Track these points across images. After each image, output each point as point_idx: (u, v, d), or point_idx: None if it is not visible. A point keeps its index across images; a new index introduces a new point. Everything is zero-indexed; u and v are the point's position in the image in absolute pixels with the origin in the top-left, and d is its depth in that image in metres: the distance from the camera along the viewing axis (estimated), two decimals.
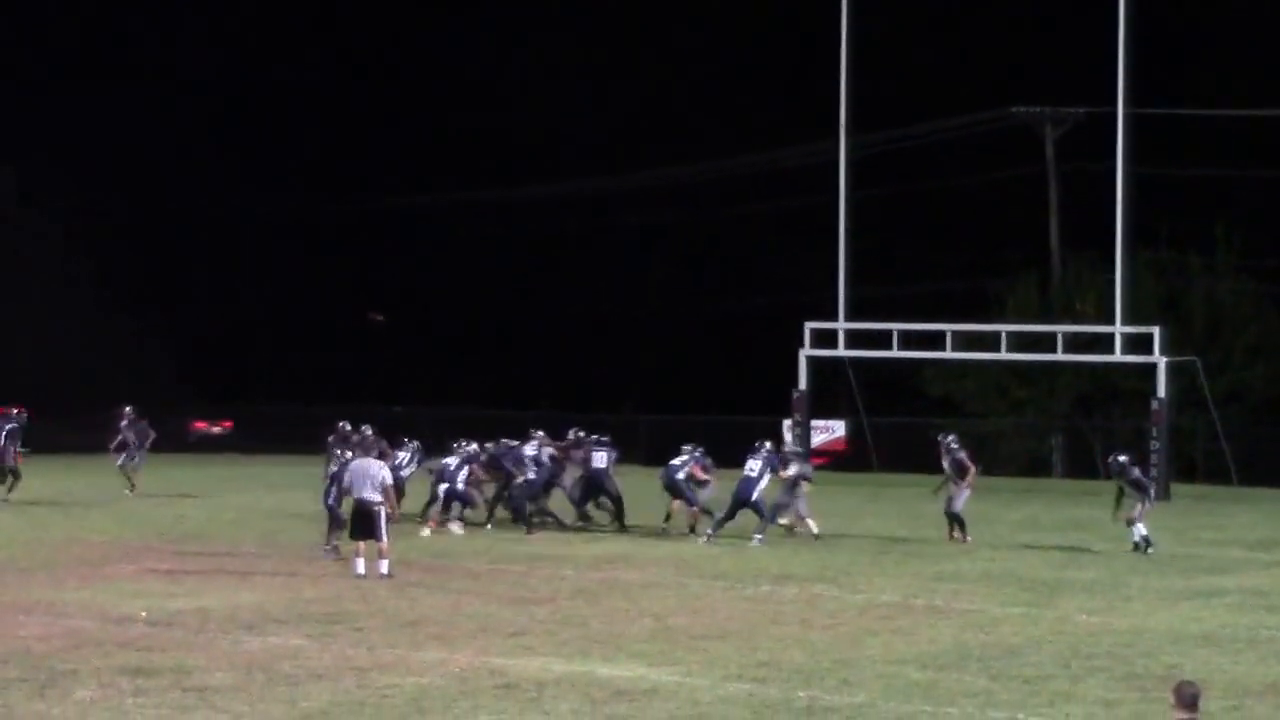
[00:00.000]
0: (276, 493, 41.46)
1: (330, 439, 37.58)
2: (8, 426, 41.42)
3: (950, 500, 34.16)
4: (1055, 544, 33.49)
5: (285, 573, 28.75)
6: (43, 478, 46.01)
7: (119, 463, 43.32)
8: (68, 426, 57.39)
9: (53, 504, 39.93)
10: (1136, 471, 32.90)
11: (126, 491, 42.39)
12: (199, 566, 29.42)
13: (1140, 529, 32.39)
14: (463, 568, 29.39)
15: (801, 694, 19.58)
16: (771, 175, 65.11)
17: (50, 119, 70.01)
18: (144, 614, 24.30)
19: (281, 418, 60.41)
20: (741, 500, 33.34)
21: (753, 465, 33.48)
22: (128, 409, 44.09)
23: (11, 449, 41.19)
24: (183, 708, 18.72)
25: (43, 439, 48.66)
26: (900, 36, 59.86)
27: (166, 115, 72.36)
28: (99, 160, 69.59)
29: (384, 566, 28.22)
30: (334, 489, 30.49)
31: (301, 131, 75.22)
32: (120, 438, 43.60)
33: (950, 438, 34.66)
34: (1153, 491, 33.64)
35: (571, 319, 72.84)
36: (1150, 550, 32.10)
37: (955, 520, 34.08)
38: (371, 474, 28.40)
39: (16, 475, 40.89)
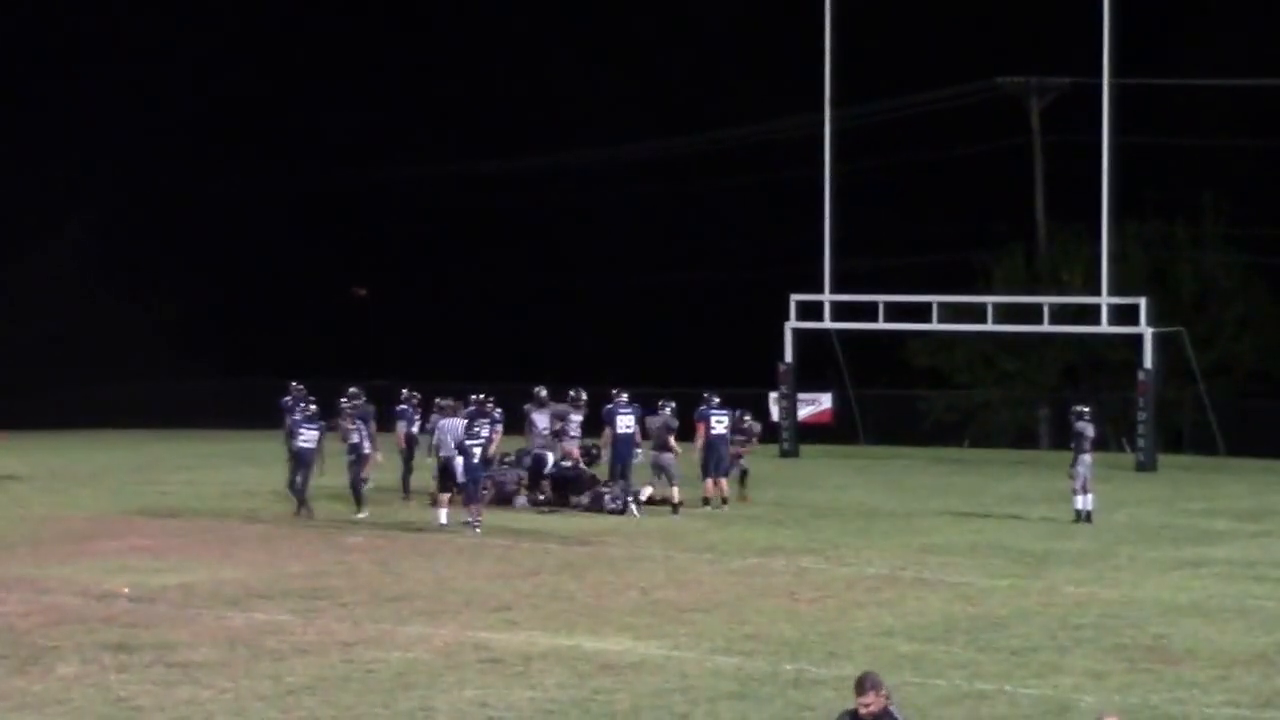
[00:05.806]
0: (260, 467, 41.31)
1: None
2: (344, 404, 35.23)
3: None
4: (1042, 515, 33.44)
5: (269, 548, 28.67)
6: (23, 454, 45.92)
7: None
8: (48, 401, 57.24)
9: (34, 480, 39.76)
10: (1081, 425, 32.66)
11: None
12: (182, 542, 29.33)
13: (1086, 499, 32.28)
14: (448, 542, 29.31)
15: (789, 666, 19.54)
16: (756, 147, 64.92)
17: (43, 97, 69.79)
18: (127, 590, 24.22)
19: (266, 390, 59.97)
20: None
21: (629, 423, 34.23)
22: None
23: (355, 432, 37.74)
24: (166, 683, 18.63)
25: (34, 415, 48.49)
26: (885, 8, 59.60)
27: (154, 93, 72.06)
28: (89, 138, 69.32)
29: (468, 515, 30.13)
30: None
31: (286, 104, 74.96)
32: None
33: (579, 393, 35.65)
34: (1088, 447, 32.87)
35: (554, 291, 72.68)
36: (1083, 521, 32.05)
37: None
38: (459, 433, 30.48)
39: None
